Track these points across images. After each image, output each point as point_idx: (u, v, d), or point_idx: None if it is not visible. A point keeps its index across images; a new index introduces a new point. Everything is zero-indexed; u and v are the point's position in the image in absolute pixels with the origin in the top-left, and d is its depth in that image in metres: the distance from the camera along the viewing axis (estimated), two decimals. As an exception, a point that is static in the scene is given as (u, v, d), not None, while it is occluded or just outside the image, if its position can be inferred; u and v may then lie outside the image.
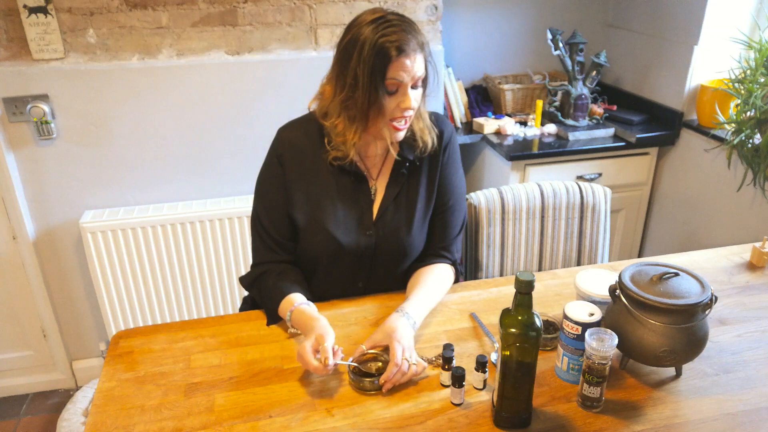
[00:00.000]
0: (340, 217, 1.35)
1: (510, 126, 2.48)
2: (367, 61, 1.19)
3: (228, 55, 2.15)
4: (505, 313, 1.00)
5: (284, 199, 1.36)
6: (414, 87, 1.25)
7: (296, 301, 1.27)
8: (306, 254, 1.39)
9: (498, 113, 2.68)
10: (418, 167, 1.39)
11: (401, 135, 1.30)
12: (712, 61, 2.34)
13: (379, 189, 1.39)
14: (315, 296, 1.39)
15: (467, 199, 1.69)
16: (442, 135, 1.40)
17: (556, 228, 1.76)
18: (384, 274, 1.43)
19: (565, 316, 1.11)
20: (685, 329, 1.08)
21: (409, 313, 1.24)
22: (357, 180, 1.36)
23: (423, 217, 1.40)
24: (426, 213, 1.41)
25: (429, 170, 1.40)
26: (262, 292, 1.38)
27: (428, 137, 1.35)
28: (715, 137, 2.26)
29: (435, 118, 1.41)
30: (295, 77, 2.21)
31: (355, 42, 1.20)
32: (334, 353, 1.11)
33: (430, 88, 1.31)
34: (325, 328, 1.16)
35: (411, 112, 1.27)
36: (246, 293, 1.58)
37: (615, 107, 2.65)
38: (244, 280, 1.44)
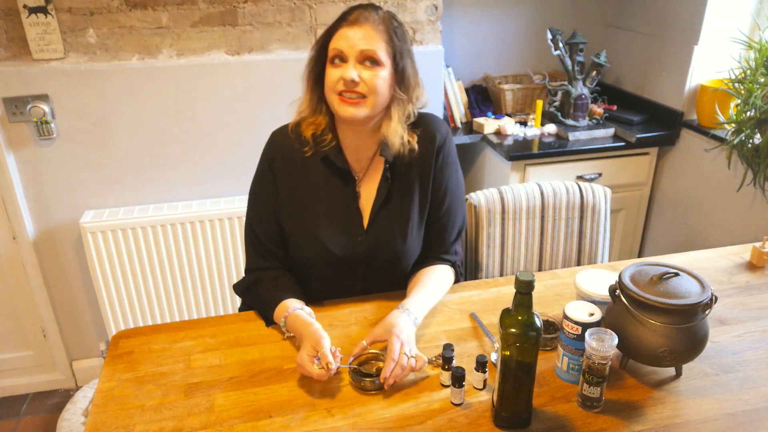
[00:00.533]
0: (329, 222, 1.33)
1: (510, 126, 2.48)
2: (322, 35, 1.26)
3: (228, 55, 2.15)
4: (505, 313, 1.00)
5: (275, 206, 1.35)
6: (362, 63, 1.22)
7: (290, 307, 1.27)
8: (299, 261, 1.38)
9: (498, 113, 2.68)
10: (408, 172, 1.35)
11: (351, 112, 1.23)
12: (712, 61, 2.34)
13: (369, 192, 1.36)
14: (313, 301, 1.38)
15: (467, 200, 1.69)
16: (434, 138, 1.35)
17: (556, 228, 1.76)
18: (380, 279, 1.42)
19: (565, 316, 1.11)
20: (685, 329, 1.08)
21: (410, 310, 1.24)
22: (344, 181, 1.34)
23: (418, 223, 1.38)
24: (421, 219, 1.38)
25: (421, 175, 1.36)
26: (256, 300, 1.37)
27: (397, 140, 1.28)
28: (715, 137, 2.26)
29: (427, 120, 1.36)
30: (295, 77, 2.19)
31: None
32: (334, 356, 1.11)
33: (406, 83, 1.27)
34: (318, 332, 1.15)
35: (361, 90, 1.21)
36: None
37: (615, 107, 2.65)
38: (237, 288, 1.43)
